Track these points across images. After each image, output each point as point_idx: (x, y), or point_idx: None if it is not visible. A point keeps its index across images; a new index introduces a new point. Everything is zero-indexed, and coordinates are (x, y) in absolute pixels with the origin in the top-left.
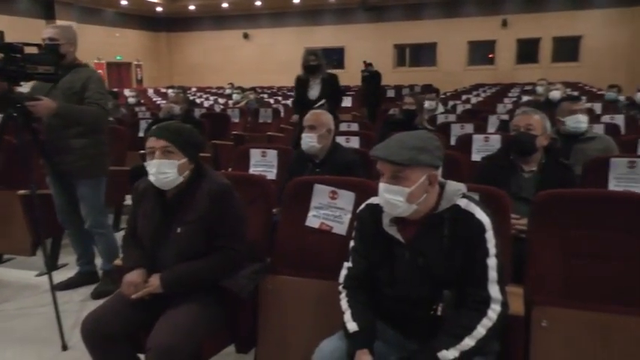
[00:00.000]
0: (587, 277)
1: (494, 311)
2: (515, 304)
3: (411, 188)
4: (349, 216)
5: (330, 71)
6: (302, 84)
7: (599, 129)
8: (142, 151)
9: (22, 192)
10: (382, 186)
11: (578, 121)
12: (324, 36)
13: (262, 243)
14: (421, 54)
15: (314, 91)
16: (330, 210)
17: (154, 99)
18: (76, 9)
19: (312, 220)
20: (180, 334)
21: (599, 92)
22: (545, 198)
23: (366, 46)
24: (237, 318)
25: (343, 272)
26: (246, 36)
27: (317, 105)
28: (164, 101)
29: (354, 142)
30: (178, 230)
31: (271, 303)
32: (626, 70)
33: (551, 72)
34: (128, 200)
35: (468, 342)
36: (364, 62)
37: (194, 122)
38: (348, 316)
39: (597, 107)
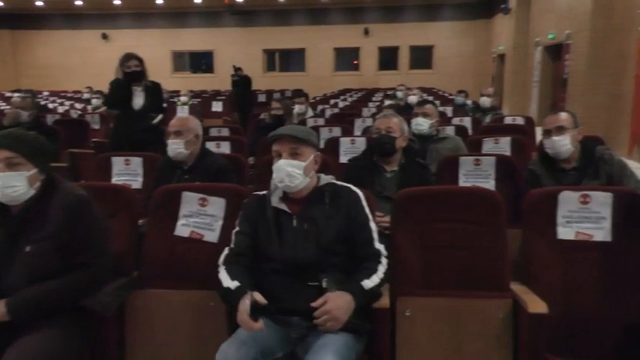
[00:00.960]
0: (442, 267)
1: (385, 260)
2: (382, 297)
3: (306, 162)
4: (220, 222)
5: (152, 80)
6: (122, 90)
7: (450, 130)
8: None
9: None
10: (283, 161)
11: (418, 124)
12: (192, 39)
13: (128, 256)
14: (291, 59)
15: (138, 100)
16: (200, 218)
17: None
18: None
19: (182, 229)
20: None
21: (450, 97)
22: (405, 196)
23: (235, 51)
24: (102, 338)
25: (223, 254)
26: (105, 37)
27: (155, 121)
28: (8, 107)
29: (225, 148)
30: (27, 249)
31: (140, 319)
32: (472, 76)
33: (409, 78)
34: None
35: (375, 279)
36: (234, 67)
37: (45, 130)
38: (227, 280)
39: (449, 111)
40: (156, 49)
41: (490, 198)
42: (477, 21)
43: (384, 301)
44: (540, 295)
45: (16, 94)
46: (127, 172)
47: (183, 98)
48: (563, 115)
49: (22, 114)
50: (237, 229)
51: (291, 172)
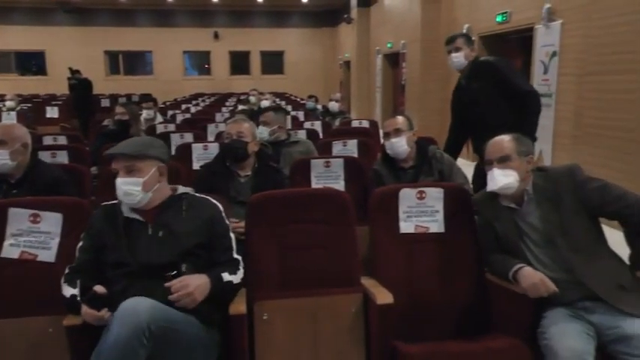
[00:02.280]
0: (298, 268)
1: (242, 269)
2: (238, 303)
3: (144, 178)
4: (57, 240)
5: None
6: None
7: (302, 134)
8: None
9: None
10: (119, 180)
11: (259, 132)
12: (17, 37)
13: None
14: (137, 62)
15: None
16: (32, 236)
17: None
18: None
19: (10, 251)
20: None
21: (302, 101)
22: (258, 199)
23: (72, 51)
24: None
25: (65, 273)
26: None
27: None
28: None
29: (63, 157)
30: None
31: None
32: (321, 81)
33: (262, 83)
34: None
35: (235, 277)
36: (70, 69)
37: None
38: (70, 290)
39: (301, 115)
40: None
41: (339, 198)
42: (323, 29)
43: (240, 307)
44: (387, 286)
45: None
46: None
47: (9, 103)
48: (400, 119)
49: None
50: (80, 243)
51: (127, 191)
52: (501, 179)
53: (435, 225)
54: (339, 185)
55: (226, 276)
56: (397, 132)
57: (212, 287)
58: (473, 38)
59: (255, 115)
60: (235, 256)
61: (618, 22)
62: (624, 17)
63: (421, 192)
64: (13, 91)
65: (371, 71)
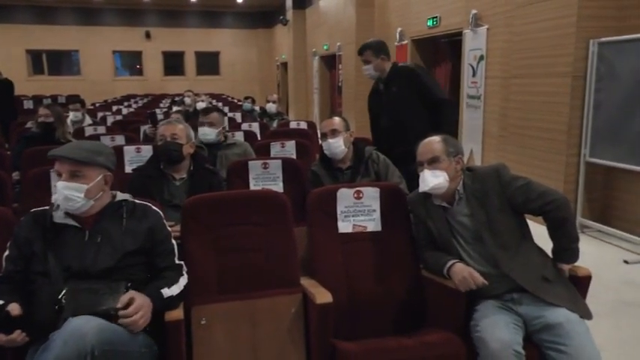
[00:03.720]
0: (238, 270)
1: (185, 274)
2: (174, 309)
3: (89, 185)
4: None
5: None
6: None
7: (239, 136)
8: None
9: None
10: (61, 184)
11: (205, 133)
12: None
13: None
14: (62, 62)
15: None
16: None
17: None
18: None
19: None
20: None
21: (239, 103)
22: (194, 202)
23: None
24: None
25: None
26: None
27: None
28: None
29: None
30: None
31: None
32: (258, 83)
33: (197, 84)
34: None
35: (175, 289)
36: None
37: None
38: None
39: (238, 116)
40: None
41: (277, 199)
42: (258, 30)
43: (177, 313)
44: (326, 285)
45: None
46: None
47: None
48: (337, 120)
49: None
50: (6, 252)
51: (69, 196)
52: (431, 180)
53: (372, 224)
54: (278, 187)
55: (166, 291)
56: (334, 133)
57: (154, 307)
58: (405, 42)
59: (190, 116)
60: (177, 261)
61: (536, 28)
62: (541, 24)
63: (358, 192)
64: None
65: (308, 73)
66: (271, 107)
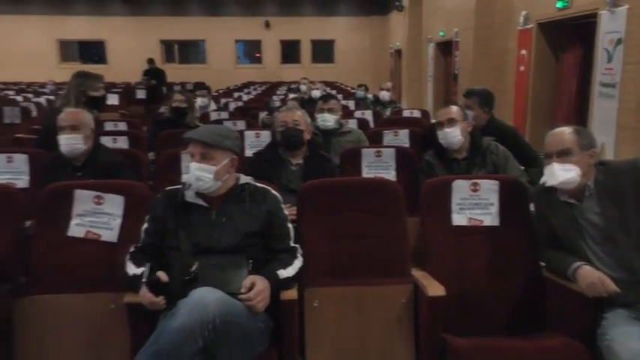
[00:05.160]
0: (348, 256)
1: (300, 257)
2: (290, 289)
3: (217, 167)
4: (119, 221)
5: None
6: None
7: (353, 123)
8: None
9: None
10: (193, 165)
11: (324, 120)
12: (79, 27)
13: (12, 261)
14: (190, 51)
15: None
16: (96, 217)
17: None
18: None
19: (76, 230)
20: None
21: (351, 90)
22: (309, 187)
23: (130, 41)
24: None
25: (129, 251)
26: None
27: None
28: None
29: (123, 143)
30: None
31: (30, 328)
32: (371, 70)
33: (311, 72)
34: None
35: (291, 271)
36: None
37: None
38: (133, 268)
39: (351, 104)
40: (38, 37)
41: (391, 188)
42: (372, 17)
43: (292, 293)
44: (438, 278)
45: None
46: (10, 170)
47: None
48: (454, 108)
49: None
50: (145, 225)
51: (200, 176)
52: (561, 174)
53: (489, 218)
54: (390, 175)
55: (282, 273)
56: (451, 122)
57: (272, 288)
58: (529, 26)
59: (305, 103)
60: (292, 244)
61: None
62: None
63: (475, 184)
64: None
65: (422, 60)
66: (384, 95)
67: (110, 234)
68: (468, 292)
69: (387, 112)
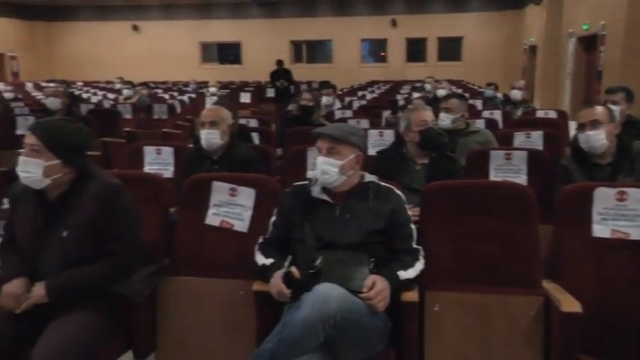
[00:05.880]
0: (471, 262)
1: (422, 259)
2: (411, 291)
3: (343, 161)
4: (250, 212)
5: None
6: None
7: (480, 124)
8: (20, 150)
9: None
10: (321, 158)
11: (441, 119)
12: (219, 30)
13: (159, 244)
14: (317, 50)
15: None
16: (230, 207)
17: (34, 94)
18: None
19: (212, 219)
20: (69, 344)
21: (479, 89)
22: (434, 188)
23: (262, 42)
24: (134, 323)
25: (258, 242)
26: (135, 28)
27: None
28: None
29: (253, 138)
30: (64, 234)
31: (170, 305)
32: (501, 68)
33: (437, 70)
34: (6, 204)
35: (411, 272)
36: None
37: (77, 118)
38: (262, 259)
39: (478, 104)
40: (184, 40)
41: (522, 193)
42: (506, 11)
43: (413, 295)
44: (572, 293)
45: (51, 84)
46: (159, 161)
47: (211, 89)
48: (599, 109)
49: (56, 101)
50: (273, 218)
51: (326, 170)
52: None
53: (637, 231)
54: (521, 180)
55: (402, 274)
56: (594, 124)
57: (392, 289)
58: None
59: (430, 102)
60: (415, 245)
61: None
62: None
63: (622, 193)
64: (215, 79)
65: (560, 56)
66: (516, 94)
67: (242, 224)
68: (608, 312)
69: (519, 113)
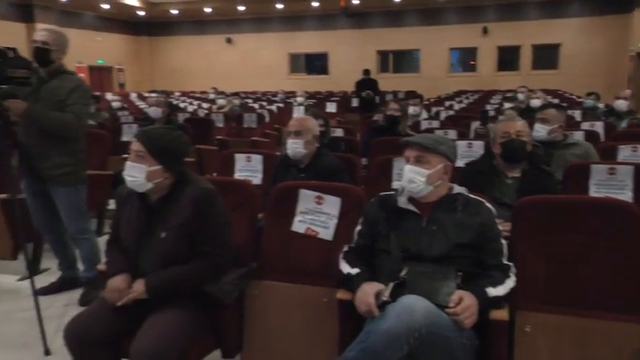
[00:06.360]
0: (568, 282)
1: (513, 276)
2: (501, 309)
3: (430, 171)
4: (335, 221)
5: None
6: None
7: (579, 136)
8: (125, 156)
9: (2, 196)
10: (408, 167)
11: (535, 130)
12: (307, 41)
13: (247, 248)
14: (404, 60)
15: None
16: (316, 215)
17: (137, 103)
18: (55, 12)
19: (298, 226)
20: (164, 339)
21: (578, 99)
22: (526, 204)
23: (349, 52)
24: (223, 323)
25: (343, 250)
26: (229, 41)
27: None
28: (146, 105)
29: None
30: (162, 235)
31: (257, 308)
32: (603, 77)
33: (531, 79)
34: (111, 205)
35: (501, 290)
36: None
37: (176, 127)
38: (347, 268)
39: (577, 114)
40: (274, 51)
41: (627, 210)
42: (610, 16)
43: (503, 314)
44: None
45: (153, 94)
46: (248, 168)
47: (299, 99)
48: None
49: (157, 110)
50: (358, 227)
51: (412, 178)
52: None
53: None
54: (626, 196)
55: (491, 291)
56: None
57: (480, 306)
58: None
59: (523, 113)
60: (505, 261)
61: None
62: None
63: None
64: (302, 89)
65: None
66: (621, 105)
67: (326, 232)
68: None
69: (623, 124)
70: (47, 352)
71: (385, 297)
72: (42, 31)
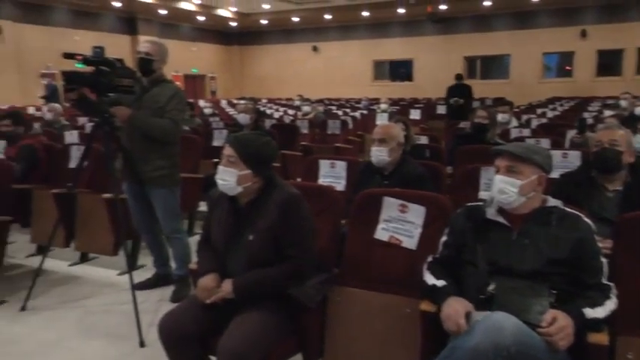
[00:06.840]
0: None
1: (615, 298)
2: (600, 333)
3: (523, 181)
4: (419, 230)
5: None
6: None
7: None
8: (215, 160)
9: (106, 196)
10: (498, 177)
11: (636, 141)
12: (392, 48)
13: (330, 254)
14: (492, 66)
15: None
16: (399, 223)
17: (227, 110)
18: (156, 25)
19: (381, 233)
20: (250, 341)
21: None
22: (631, 219)
23: (435, 59)
24: (305, 327)
25: (427, 260)
26: (315, 49)
27: None
28: (235, 112)
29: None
30: (250, 237)
31: (338, 314)
32: None
33: (635, 85)
34: (202, 207)
35: (600, 312)
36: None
37: (265, 132)
38: (432, 279)
39: None
40: (358, 59)
41: None
42: None
43: (602, 337)
44: None
45: (242, 101)
46: (332, 174)
47: (382, 106)
48: None
49: (245, 117)
50: (444, 238)
51: (503, 189)
52: None
53: None
54: None
55: (588, 312)
56: None
57: (575, 327)
58: None
59: (625, 122)
60: (605, 281)
61: None
62: None
63: None
64: (385, 96)
65: None
66: None
67: (410, 241)
68: None
69: None
70: (142, 344)
71: (477, 320)
72: (145, 42)
